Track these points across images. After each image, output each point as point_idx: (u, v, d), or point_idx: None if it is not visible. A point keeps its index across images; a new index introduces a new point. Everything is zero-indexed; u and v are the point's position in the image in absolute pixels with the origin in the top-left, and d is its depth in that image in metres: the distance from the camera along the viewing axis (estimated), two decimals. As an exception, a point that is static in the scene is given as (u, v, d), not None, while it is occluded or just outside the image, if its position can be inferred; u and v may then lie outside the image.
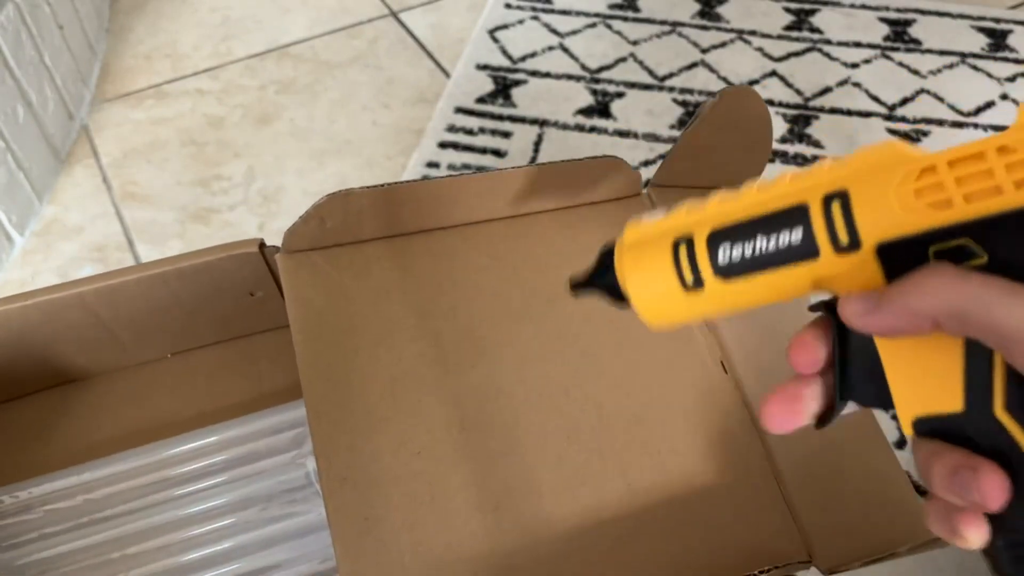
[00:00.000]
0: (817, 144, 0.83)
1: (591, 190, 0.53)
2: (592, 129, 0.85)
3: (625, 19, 0.99)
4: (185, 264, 0.49)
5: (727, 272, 0.28)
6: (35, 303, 0.49)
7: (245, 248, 0.50)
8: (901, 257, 0.24)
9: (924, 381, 0.25)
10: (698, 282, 0.28)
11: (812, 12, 1.00)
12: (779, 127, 0.85)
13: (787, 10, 1.00)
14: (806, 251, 0.26)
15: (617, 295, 0.32)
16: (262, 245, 0.50)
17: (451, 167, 0.81)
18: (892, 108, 0.87)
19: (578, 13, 1.00)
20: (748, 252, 0.27)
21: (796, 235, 0.26)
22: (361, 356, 0.46)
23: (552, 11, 1.01)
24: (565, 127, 0.85)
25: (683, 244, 0.28)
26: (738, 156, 0.53)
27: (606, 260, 0.32)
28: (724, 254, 0.27)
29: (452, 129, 0.85)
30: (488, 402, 0.45)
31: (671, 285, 0.29)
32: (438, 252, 0.50)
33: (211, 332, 0.57)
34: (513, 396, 0.45)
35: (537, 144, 0.83)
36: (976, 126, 0.84)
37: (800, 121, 0.85)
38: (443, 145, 0.83)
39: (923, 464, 0.25)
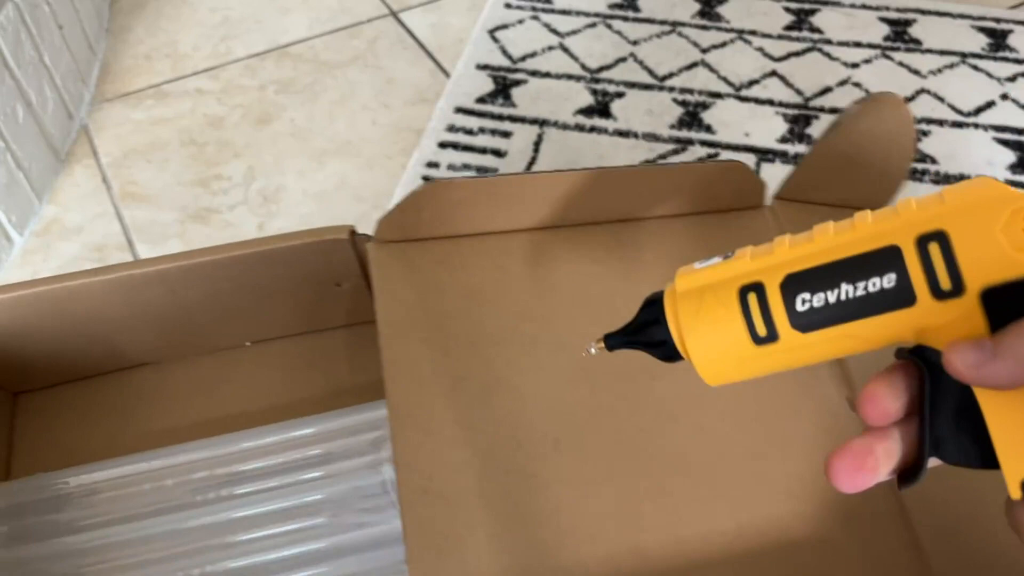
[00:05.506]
0: (817, 144, 0.83)
1: (711, 198, 0.48)
2: (592, 129, 0.85)
3: (625, 19, 0.99)
4: (269, 247, 0.47)
5: (806, 323, 0.25)
6: (116, 278, 0.47)
7: (335, 235, 0.47)
8: (1011, 303, 0.22)
9: None
10: (772, 335, 0.26)
11: (812, 12, 1.00)
12: (779, 127, 0.85)
13: (787, 10, 1.00)
14: (900, 298, 0.24)
15: (665, 350, 0.29)
16: (353, 232, 0.47)
17: (451, 167, 0.81)
18: (892, 108, 0.86)
19: (578, 13, 1.00)
20: (832, 300, 0.24)
21: (888, 281, 0.24)
22: (451, 358, 0.42)
23: (552, 11, 1.01)
24: (565, 127, 0.85)
25: (752, 293, 0.26)
26: (873, 174, 0.47)
27: (652, 312, 0.29)
28: (803, 303, 0.25)
29: (452, 129, 0.85)
30: (587, 421, 0.41)
31: (739, 338, 0.26)
32: (539, 253, 0.46)
33: (292, 322, 0.55)
34: (614, 416, 0.41)
35: (537, 144, 0.83)
36: (976, 126, 0.84)
37: (800, 121, 0.85)
38: (443, 145, 0.83)
39: None
